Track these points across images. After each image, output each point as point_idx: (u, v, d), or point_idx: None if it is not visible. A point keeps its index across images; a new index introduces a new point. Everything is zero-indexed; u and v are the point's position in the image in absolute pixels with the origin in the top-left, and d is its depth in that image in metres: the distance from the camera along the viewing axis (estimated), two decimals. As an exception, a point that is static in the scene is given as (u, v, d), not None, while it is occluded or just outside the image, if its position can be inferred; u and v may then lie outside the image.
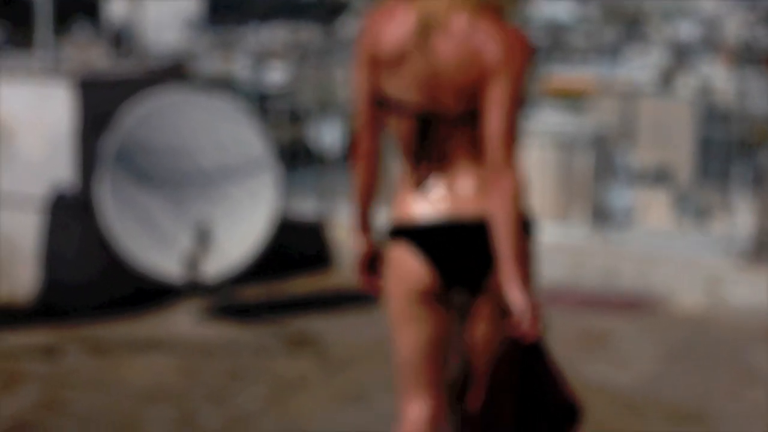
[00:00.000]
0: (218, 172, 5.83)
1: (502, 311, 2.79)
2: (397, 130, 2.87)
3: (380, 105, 2.88)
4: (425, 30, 2.75)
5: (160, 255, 5.64)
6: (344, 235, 6.81)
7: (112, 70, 6.50)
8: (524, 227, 2.79)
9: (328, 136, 10.93)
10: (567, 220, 8.10)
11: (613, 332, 5.44)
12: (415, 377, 2.97)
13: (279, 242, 6.30)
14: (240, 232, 5.83)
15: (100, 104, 5.89)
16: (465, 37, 2.75)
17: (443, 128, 2.80)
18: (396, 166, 3.02)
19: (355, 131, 2.94)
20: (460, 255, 2.84)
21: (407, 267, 2.87)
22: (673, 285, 6.27)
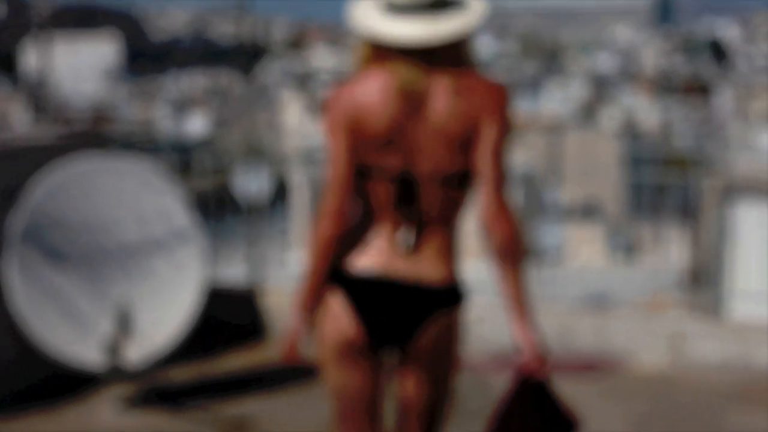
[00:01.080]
0: (140, 247, 5.36)
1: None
2: (372, 193, 2.86)
3: (361, 173, 2.86)
4: (410, 95, 2.78)
5: (77, 340, 5.15)
6: (277, 302, 6.41)
7: (19, 137, 5.99)
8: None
9: (255, 184, 10.57)
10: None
11: (573, 398, 5.07)
12: (345, 427, 3.01)
13: (207, 313, 5.86)
14: (165, 310, 5.37)
15: (6, 175, 5.41)
16: (450, 98, 2.78)
17: (422, 190, 2.83)
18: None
19: (328, 210, 2.86)
20: (390, 312, 2.86)
21: (337, 318, 2.89)
22: (634, 342, 5.93)
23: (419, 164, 2.82)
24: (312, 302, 2.92)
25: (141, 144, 8.21)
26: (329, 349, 2.93)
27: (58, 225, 5.24)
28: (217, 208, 8.63)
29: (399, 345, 2.91)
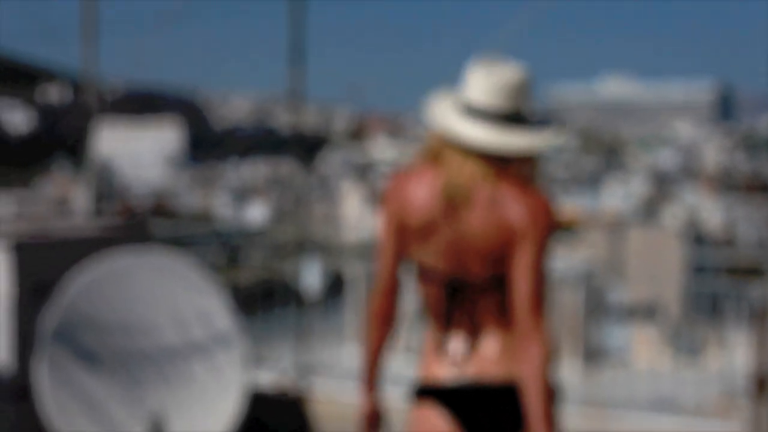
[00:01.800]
0: (178, 350, 5.00)
1: None
2: (425, 294, 2.93)
3: (408, 269, 2.94)
4: (452, 200, 2.81)
5: (107, 450, 4.78)
6: (327, 410, 6.02)
7: (55, 229, 5.68)
8: (551, 395, 2.80)
9: (309, 276, 10.30)
10: (557, 362, 7.50)
11: None
12: None
13: (251, 420, 5.48)
14: (204, 420, 4.98)
15: (40, 270, 5.11)
16: (490, 205, 2.80)
17: (471, 294, 2.86)
18: (420, 328, 3.13)
19: (375, 290, 2.98)
20: (484, 418, 2.85)
21: (431, 428, 2.89)
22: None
23: (462, 268, 2.85)
24: (371, 378, 3.04)
25: (189, 237, 7.90)
26: None
27: (92, 324, 4.89)
28: (265, 303, 8.32)
29: None
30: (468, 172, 2.81)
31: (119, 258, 5.07)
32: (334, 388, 6.31)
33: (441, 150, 2.87)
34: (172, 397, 4.96)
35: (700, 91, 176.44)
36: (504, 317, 2.86)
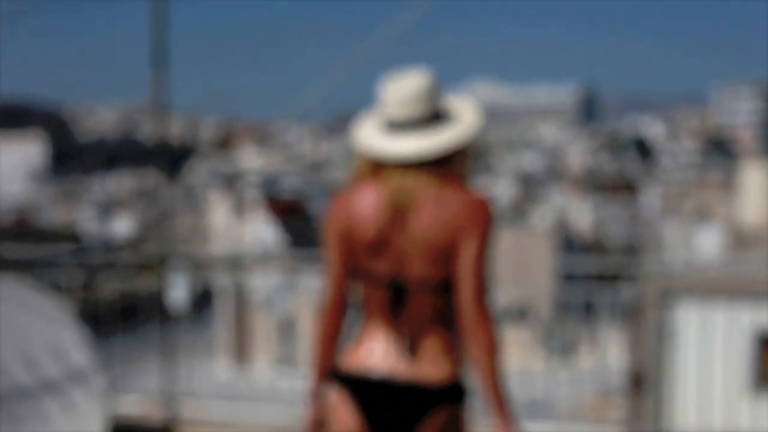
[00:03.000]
0: (29, 389, 4.64)
1: None
2: (367, 296, 3.02)
3: (353, 276, 3.04)
4: (397, 207, 2.95)
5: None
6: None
7: None
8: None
9: (175, 290, 9.98)
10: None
11: None
12: None
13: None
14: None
15: None
16: (436, 205, 2.94)
17: (414, 296, 2.97)
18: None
19: (325, 308, 3.08)
20: (391, 412, 2.97)
21: (340, 415, 3.02)
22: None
23: (407, 271, 2.97)
24: (319, 395, 3.12)
25: (45, 258, 7.49)
26: None
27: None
28: (128, 322, 7.97)
29: None
30: (409, 181, 2.96)
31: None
32: (203, 409, 6.04)
33: (377, 168, 3.00)
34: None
35: (564, 94, 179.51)
36: (443, 320, 2.99)
